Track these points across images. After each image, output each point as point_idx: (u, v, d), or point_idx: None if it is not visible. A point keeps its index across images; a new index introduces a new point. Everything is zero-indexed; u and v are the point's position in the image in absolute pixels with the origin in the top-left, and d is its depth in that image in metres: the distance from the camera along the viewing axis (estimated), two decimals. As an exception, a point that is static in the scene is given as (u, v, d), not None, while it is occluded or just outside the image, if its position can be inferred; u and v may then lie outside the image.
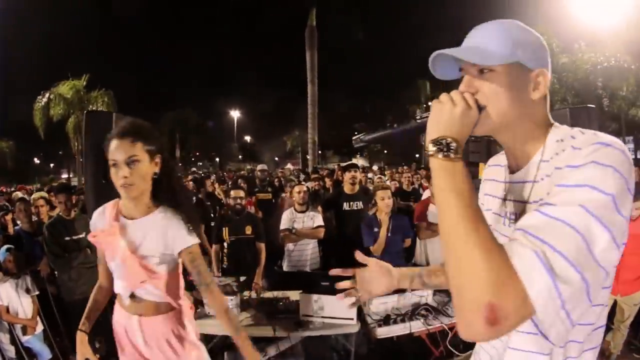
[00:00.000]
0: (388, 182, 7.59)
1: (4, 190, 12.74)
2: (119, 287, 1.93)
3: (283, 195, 6.74)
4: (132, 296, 1.90)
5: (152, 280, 1.85)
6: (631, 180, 0.79)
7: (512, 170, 1.09)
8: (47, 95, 22.64)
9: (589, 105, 3.57)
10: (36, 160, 48.44)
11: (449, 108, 0.91)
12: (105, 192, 2.13)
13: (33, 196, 5.37)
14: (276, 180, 9.73)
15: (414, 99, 32.81)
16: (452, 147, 0.87)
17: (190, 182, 8.72)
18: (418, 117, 1.04)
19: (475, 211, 0.80)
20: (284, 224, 4.65)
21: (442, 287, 1.40)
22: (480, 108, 0.93)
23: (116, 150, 1.74)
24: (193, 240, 1.87)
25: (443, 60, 1.02)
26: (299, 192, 4.68)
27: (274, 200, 6.80)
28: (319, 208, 4.93)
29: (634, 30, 16.92)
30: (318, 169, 13.91)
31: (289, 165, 30.91)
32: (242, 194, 4.38)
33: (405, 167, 13.73)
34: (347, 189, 4.96)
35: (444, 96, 0.94)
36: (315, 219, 4.64)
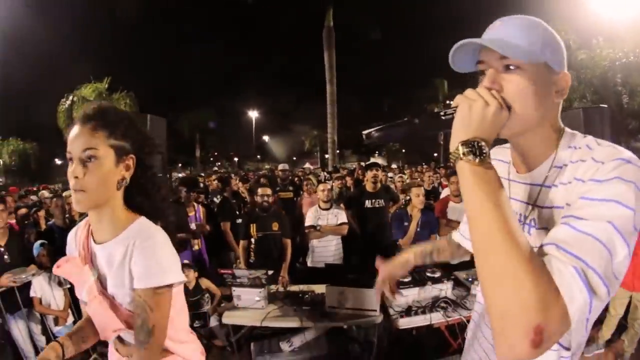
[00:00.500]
0: (408, 181, 7.70)
1: (31, 189, 13.13)
2: None
3: (302, 193, 6.91)
4: (119, 339, 1.47)
5: (128, 328, 1.36)
6: None
7: (518, 170, 1.08)
8: (70, 97, 23.14)
9: (602, 105, 3.57)
10: (57, 161, 49.23)
11: (480, 106, 0.85)
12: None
13: (64, 194, 5.61)
14: (296, 179, 9.88)
15: (432, 98, 32.71)
16: (484, 151, 0.81)
17: (215, 182, 8.96)
18: (442, 113, 0.95)
19: (514, 223, 0.75)
20: (308, 220, 4.78)
21: (445, 260, 1.57)
22: (509, 108, 0.88)
23: (73, 139, 1.28)
24: (150, 282, 1.29)
25: (463, 51, 0.96)
26: (323, 190, 4.82)
27: (295, 199, 6.98)
28: (342, 205, 5.06)
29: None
30: (339, 168, 14.02)
31: (307, 165, 31.01)
32: (269, 191, 4.52)
33: (425, 167, 13.81)
34: (368, 187, 5.09)
35: (472, 93, 0.88)
36: (339, 216, 4.76)
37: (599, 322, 4.28)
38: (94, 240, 1.40)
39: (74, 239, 1.48)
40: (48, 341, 3.99)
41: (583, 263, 0.70)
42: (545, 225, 0.97)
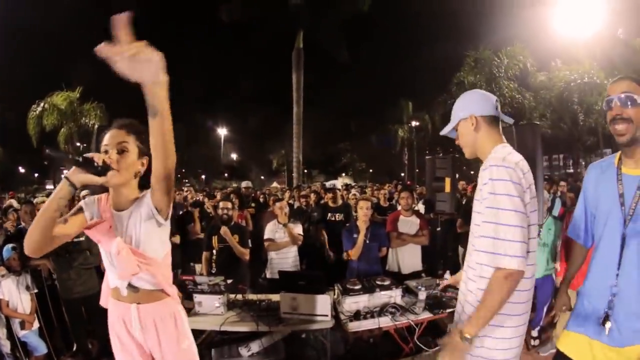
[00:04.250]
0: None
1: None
2: (114, 280, 1.96)
3: (269, 209, 7.15)
4: (130, 286, 1.94)
5: (145, 268, 1.87)
6: None
7: None
8: (41, 104, 22.55)
9: (534, 122, 4.02)
10: (21, 169, 47.64)
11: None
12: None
13: (36, 200, 5.72)
14: (261, 196, 10.09)
15: (397, 118, 33.49)
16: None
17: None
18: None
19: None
20: (267, 234, 5.01)
21: None
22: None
23: (110, 136, 1.90)
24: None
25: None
26: (280, 208, 5.07)
27: (256, 215, 7.22)
28: (297, 221, 5.30)
29: (606, 48, 17.93)
30: (302, 187, 14.16)
31: (275, 184, 31.07)
32: (229, 205, 4.70)
33: (387, 185, 14.08)
34: (330, 203, 5.53)
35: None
36: (295, 228, 4.99)
37: (553, 323, 4.54)
38: (114, 208, 1.93)
39: (96, 204, 1.97)
40: (13, 346, 4.02)
41: None
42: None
